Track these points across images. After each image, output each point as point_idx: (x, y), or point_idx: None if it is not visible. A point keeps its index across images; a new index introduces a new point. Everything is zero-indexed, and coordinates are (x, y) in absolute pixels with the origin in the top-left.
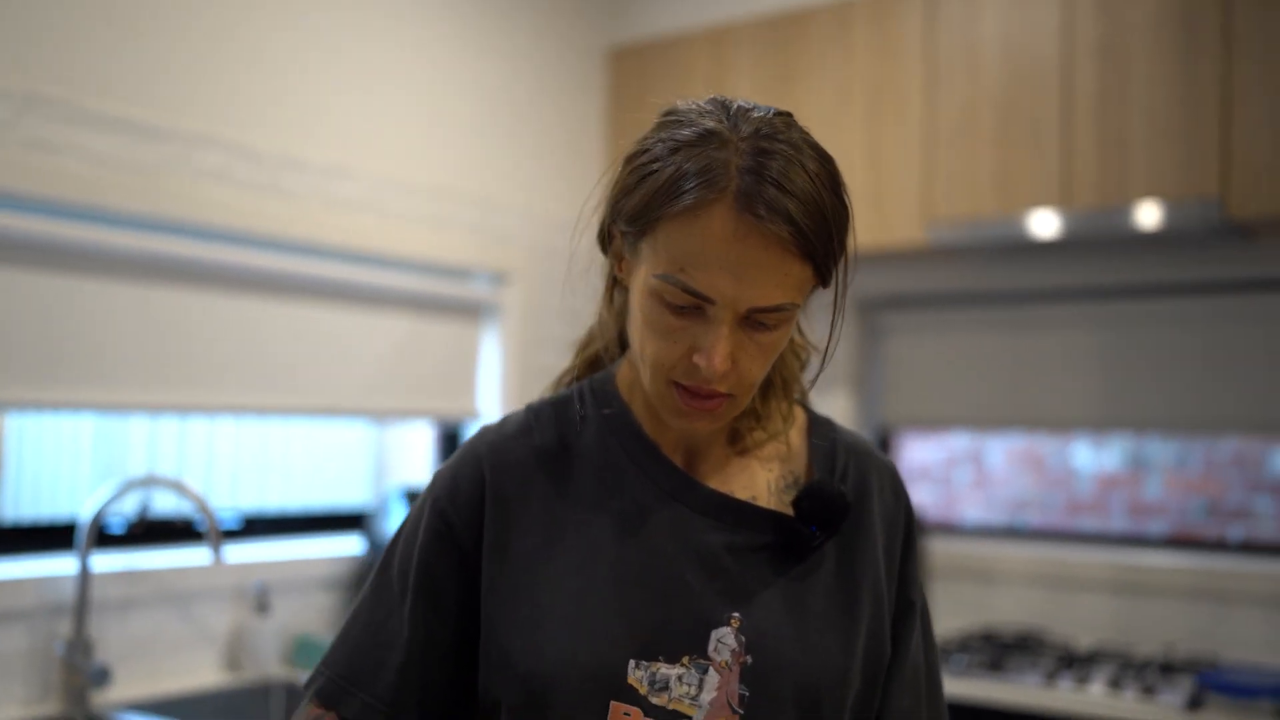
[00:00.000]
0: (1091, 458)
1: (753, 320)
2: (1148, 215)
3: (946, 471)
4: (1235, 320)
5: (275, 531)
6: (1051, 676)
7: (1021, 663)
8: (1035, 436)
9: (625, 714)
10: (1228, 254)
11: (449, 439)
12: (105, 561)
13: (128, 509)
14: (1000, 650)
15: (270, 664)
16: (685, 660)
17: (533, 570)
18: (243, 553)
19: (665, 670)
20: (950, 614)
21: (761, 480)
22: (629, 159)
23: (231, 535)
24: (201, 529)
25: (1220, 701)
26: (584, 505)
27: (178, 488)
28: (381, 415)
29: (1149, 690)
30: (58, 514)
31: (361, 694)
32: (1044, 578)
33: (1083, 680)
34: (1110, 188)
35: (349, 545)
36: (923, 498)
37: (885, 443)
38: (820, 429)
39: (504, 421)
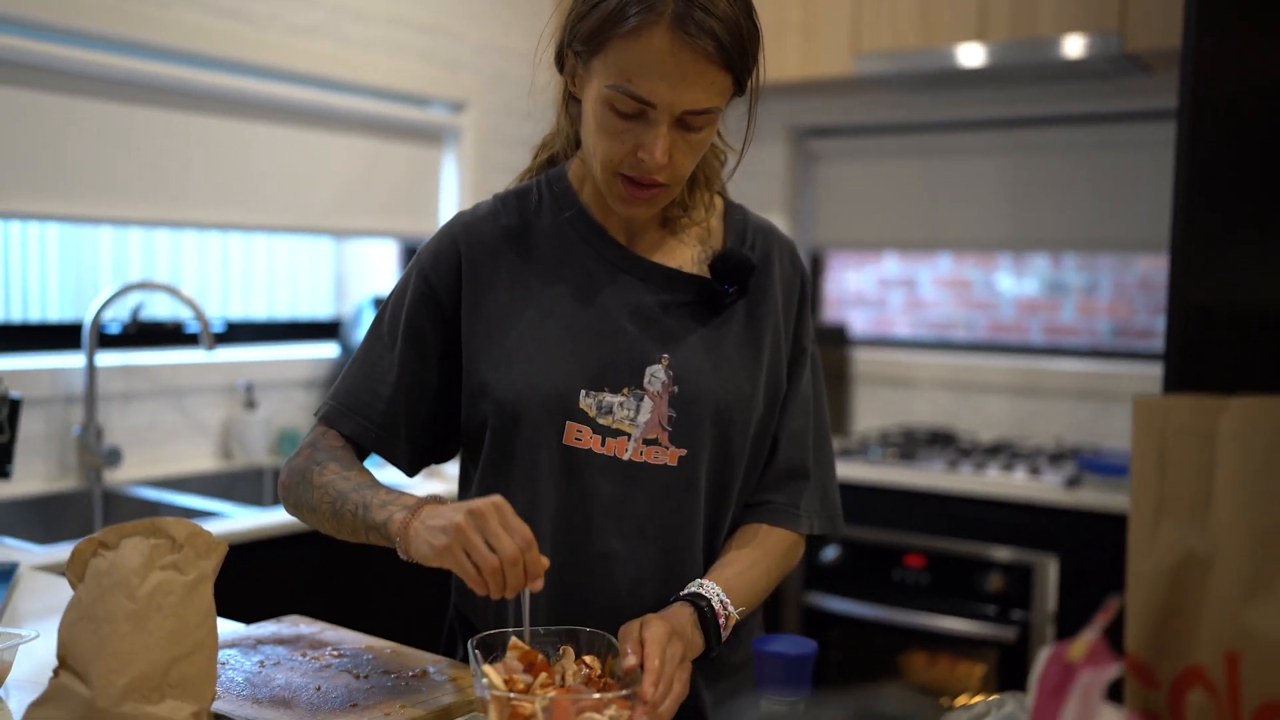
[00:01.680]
0: (1013, 284)
1: (684, 122)
2: (1073, 46)
3: (881, 295)
4: (1133, 148)
5: (256, 338)
6: (954, 464)
7: (931, 453)
8: (962, 265)
9: (578, 430)
10: (1126, 85)
11: (411, 255)
12: (107, 359)
13: (121, 314)
14: (914, 443)
15: (259, 453)
16: (625, 391)
17: (504, 323)
18: (230, 354)
19: (609, 398)
20: (873, 415)
21: (687, 254)
22: None
23: (219, 339)
24: (191, 331)
25: (1095, 480)
26: (543, 273)
27: (173, 292)
28: (345, 233)
29: (1035, 472)
30: (43, 318)
31: (357, 417)
32: (955, 383)
33: (980, 466)
34: (1021, 23)
35: (325, 350)
36: (857, 319)
37: (817, 263)
38: (735, 213)
39: (476, 207)
